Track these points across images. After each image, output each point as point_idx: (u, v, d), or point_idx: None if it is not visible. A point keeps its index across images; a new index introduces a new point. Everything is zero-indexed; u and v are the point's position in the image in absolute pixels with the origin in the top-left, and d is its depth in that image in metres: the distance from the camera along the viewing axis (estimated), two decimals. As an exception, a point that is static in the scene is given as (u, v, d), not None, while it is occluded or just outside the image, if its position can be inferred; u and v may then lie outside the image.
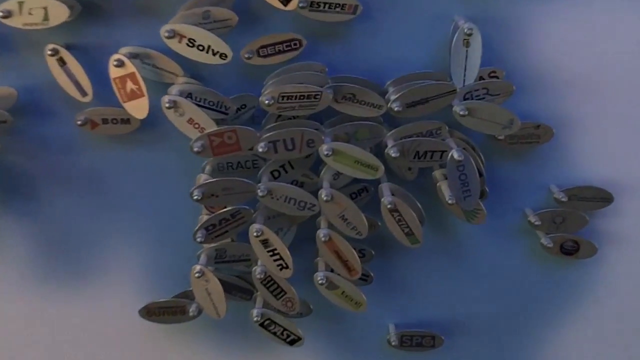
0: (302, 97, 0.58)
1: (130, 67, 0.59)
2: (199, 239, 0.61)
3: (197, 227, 0.61)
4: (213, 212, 0.63)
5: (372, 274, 0.70)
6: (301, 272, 0.65)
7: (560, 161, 0.70)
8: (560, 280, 0.76)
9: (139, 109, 0.61)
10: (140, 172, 0.68)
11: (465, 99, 0.63)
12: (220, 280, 0.64)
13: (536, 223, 0.70)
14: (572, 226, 0.71)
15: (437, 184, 0.65)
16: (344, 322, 0.75)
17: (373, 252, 0.69)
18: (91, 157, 0.68)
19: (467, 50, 0.61)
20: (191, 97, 0.60)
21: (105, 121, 0.64)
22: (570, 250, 0.72)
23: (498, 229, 0.73)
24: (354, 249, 0.63)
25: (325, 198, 0.60)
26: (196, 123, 0.59)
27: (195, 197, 0.59)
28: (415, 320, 0.76)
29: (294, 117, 0.62)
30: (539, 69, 0.67)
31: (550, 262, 0.74)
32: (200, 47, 0.59)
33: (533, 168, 0.70)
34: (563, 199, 0.69)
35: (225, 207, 0.61)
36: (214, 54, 0.59)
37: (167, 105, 0.58)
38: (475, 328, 0.77)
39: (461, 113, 0.60)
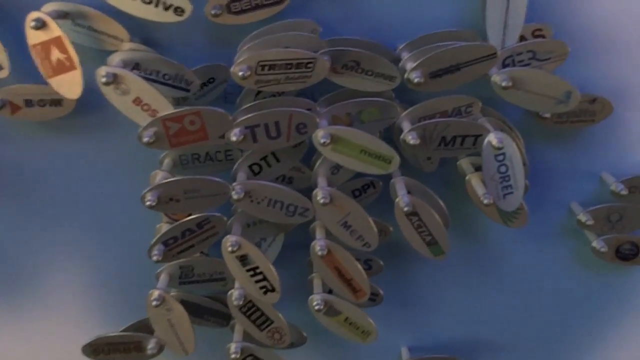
0: (288, 67, 0.51)
1: (55, 30, 0.50)
2: (155, 257, 0.54)
3: (152, 242, 0.54)
4: (176, 221, 0.56)
5: (381, 292, 0.62)
6: (291, 288, 0.60)
7: (618, 144, 0.62)
8: (613, 292, 0.69)
9: (69, 85, 0.52)
10: (79, 169, 0.61)
11: (504, 66, 0.54)
12: (187, 303, 0.59)
13: (588, 222, 0.61)
14: (631, 225, 0.63)
15: (466, 178, 0.57)
16: (346, 347, 0.69)
17: (382, 263, 0.62)
18: (14, 151, 0.60)
19: (508, 1, 0.53)
20: (139, 69, 0.52)
21: (29, 103, 0.56)
22: (628, 254, 0.64)
23: (537, 230, 0.65)
24: (358, 260, 0.56)
25: (322, 200, 0.53)
26: (145, 104, 0.51)
27: (148, 203, 0.52)
28: (433, 342, 0.70)
29: (279, 94, 0.55)
30: (594, 27, 0.58)
31: (603, 270, 0.67)
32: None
33: (583, 153, 0.62)
34: (622, 192, 0.60)
35: (191, 215, 0.54)
36: (166, 9, 0.51)
37: (104, 80, 0.49)
38: (506, 352, 0.71)
39: (503, 84, 0.51)
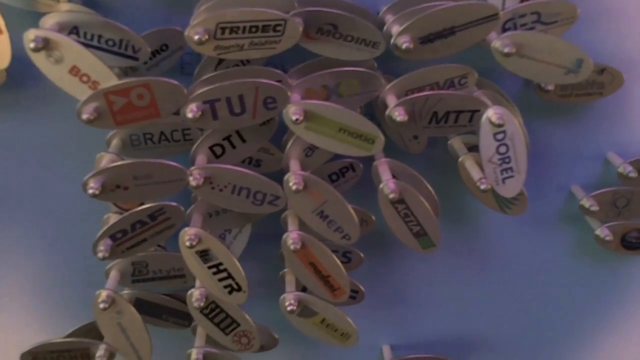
0: (254, 30, 0.47)
1: (-26, -14, 0.47)
2: (100, 254, 0.51)
3: (97, 236, 0.51)
4: (126, 211, 0.53)
5: (362, 288, 0.60)
6: (259, 284, 0.60)
7: (626, 121, 0.60)
8: (617, 285, 0.67)
9: None
10: (13, 151, 0.58)
11: (505, 30, 0.50)
12: (143, 302, 0.57)
13: (592, 208, 0.59)
14: (638, 210, 0.60)
15: (459, 160, 0.54)
16: (322, 348, 0.67)
17: (362, 255, 0.59)
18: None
19: (508, -46, 0.49)
20: (77, 34, 0.48)
21: (-50, 75, 0.52)
22: (635, 243, 0.61)
23: (535, 217, 0.63)
24: (335, 252, 0.54)
25: (294, 187, 0.50)
26: (84, 74, 0.46)
27: (90, 191, 0.48)
28: (417, 340, 0.68)
29: (243, 63, 0.52)
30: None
31: (606, 260, 0.65)
32: (84, -51, 0.46)
33: (587, 131, 0.60)
34: (631, 174, 0.58)
35: (142, 204, 0.51)
36: (107, -40, 0.47)
37: (32, 45, 0.44)
38: (498, 350, 0.69)
39: (506, 51, 0.48)
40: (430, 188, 0.54)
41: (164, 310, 0.59)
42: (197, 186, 0.49)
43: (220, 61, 0.52)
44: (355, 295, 0.59)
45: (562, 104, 0.57)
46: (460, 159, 0.54)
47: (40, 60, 0.45)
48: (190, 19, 0.49)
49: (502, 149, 0.49)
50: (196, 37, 0.46)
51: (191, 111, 0.47)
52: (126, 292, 0.57)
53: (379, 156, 0.53)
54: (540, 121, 0.59)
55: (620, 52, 0.57)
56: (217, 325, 0.55)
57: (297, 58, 0.53)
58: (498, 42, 0.48)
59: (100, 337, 0.55)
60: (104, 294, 0.52)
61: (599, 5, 0.55)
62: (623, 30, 0.56)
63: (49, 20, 0.47)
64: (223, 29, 0.46)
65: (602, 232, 0.60)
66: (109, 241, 0.50)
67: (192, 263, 0.51)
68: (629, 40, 0.57)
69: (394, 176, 0.52)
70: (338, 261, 0.53)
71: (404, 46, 0.47)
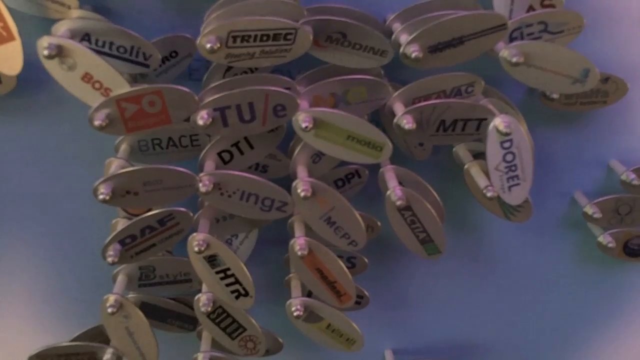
0: (264, 38, 0.47)
1: (-13, -7, 0.46)
2: (110, 259, 0.50)
3: (107, 241, 0.50)
4: (134, 216, 0.54)
5: (366, 293, 0.59)
6: (265, 287, 0.59)
7: (629, 129, 0.59)
8: (620, 291, 0.66)
9: (7, 59, 0.48)
10: (23, 156, 0.57)
11: (512, 40, 0.50)
12: (148, 305, 0.57)
13: (595, 215, 0.58)
14: None
15: (465, 167, 0.54)
16: (325, 351, 0.64)
17: (366, 260, 0.59)
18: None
19: (516, -35, 0.49)
20: (89, 40, 0.48)
21: (-39, 81, 0.51)
22: (637, 250, 0.61)
23: (538, 223, 0.62)
24: (340, 257, 0.54)
25: (302, 193, 0.49)
26: (96, 81, 0.46)
27: (101, 197, 0.47)
28: (420, 345, 0.68)
29: (252, 70, 0.51)
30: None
31: (609, 267, 0.64)
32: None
33: (591, 138, 0.59)
34: (634, 182, 0.57)
35: (151, 210, 0.51)
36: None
37: (46, 52, 0.44)
38: (500, 355, 0.68)
39: (514, 60, 0.47)
40: (436, 195, 0.53)
41: (169, 314, 0.58)
42: (206, 192, 0.48)
43: (229, 68, 0.51)
44: (360, 300, 0.59)
45: (566, 111, 0.56)
46: (466, 167, 0.53)
47: (53, 67, 0.45)
48: (198, 25, 0.49)
49: (509, 157, 0.49)
50: (208, 46, 0.46)
51: (202, 118, 0.46)
52: (131, 295, 0.56)
53: (385, 163, 0.53)
54: (544, 128, 0.58)
55: (624, 61, 0.56)
56: (224, 330, 0.54)
57: (304, 65, 0.52)
58: (506, 52, 0.47)
59: (107, 341, 0.55)
60: (112, 298, 0.51)
61: (602, 14, 0.55)
62: (627, 39, 0.56)
63: (61, 27, 0.47)
64: (235, 38, 0.46)
65: (604, 238, 0.59)
66: (118, 246, 0.50)
67: (200, 268, 0.50)
68: (633, 49, 0.56)
69: (400, 183, 0.51)
70: (344, 267, 0.52)
71: (413, 55, 0.46)
